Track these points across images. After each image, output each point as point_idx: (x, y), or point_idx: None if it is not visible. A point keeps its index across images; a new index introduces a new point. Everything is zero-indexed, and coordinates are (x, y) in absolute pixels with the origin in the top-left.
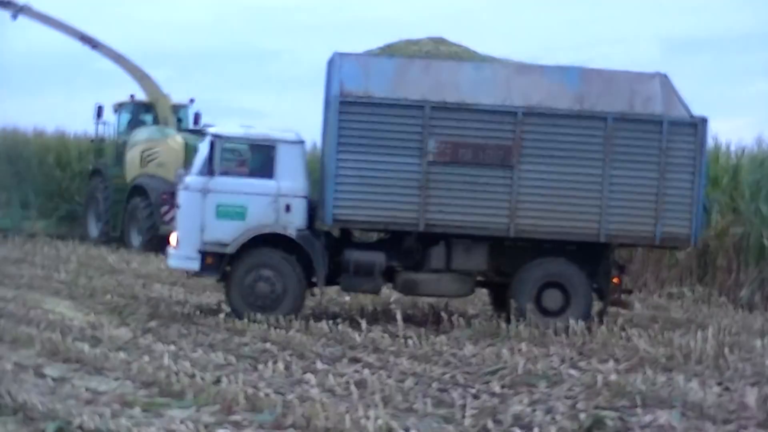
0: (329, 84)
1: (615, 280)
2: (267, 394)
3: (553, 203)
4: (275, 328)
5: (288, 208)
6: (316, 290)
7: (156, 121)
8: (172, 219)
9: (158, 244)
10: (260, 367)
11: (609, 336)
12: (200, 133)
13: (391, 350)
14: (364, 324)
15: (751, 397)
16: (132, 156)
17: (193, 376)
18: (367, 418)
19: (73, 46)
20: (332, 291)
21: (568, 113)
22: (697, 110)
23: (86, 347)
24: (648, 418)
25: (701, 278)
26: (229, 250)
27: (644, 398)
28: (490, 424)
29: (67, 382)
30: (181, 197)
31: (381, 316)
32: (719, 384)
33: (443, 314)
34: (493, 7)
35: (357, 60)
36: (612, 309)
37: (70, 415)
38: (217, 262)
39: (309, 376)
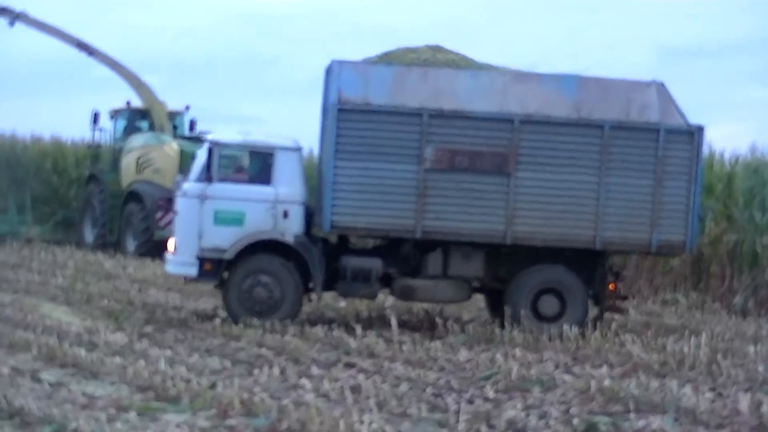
0: (327, 91)
1: (611, 287)
2: (262, 399)
3: (550, 210)
4: (271, 333)
5: (286, 215)
6: (313, 296)
7: (152, 127)
8: (167, 225)
9: (153, 249)
10: (255, 372)
11: (603, 342)
12: (196, 140)
13: (385, 355)
14: (359, 329)
15: (744, 402)
16: (128, 162)
17: (188, 380)
18: (362, 422)
19: (70, 52)
20: (327, 296)
21: (565, 121)
22: (691, 117)
23: (82, 352)
24: (641, 423)
25: (695, 285)
26: (227, 256)
27: (637, 403)
28: (484, 429)
29: (63, 386)
30: (179, 203)
31: (376, 322)
32: (712, 390)
33: (438, 320)
34: (490, 15)
35: (355, 68)
36: (606, 315)
37: (66, 419)
38: (215, 268)
39: (304, 381)
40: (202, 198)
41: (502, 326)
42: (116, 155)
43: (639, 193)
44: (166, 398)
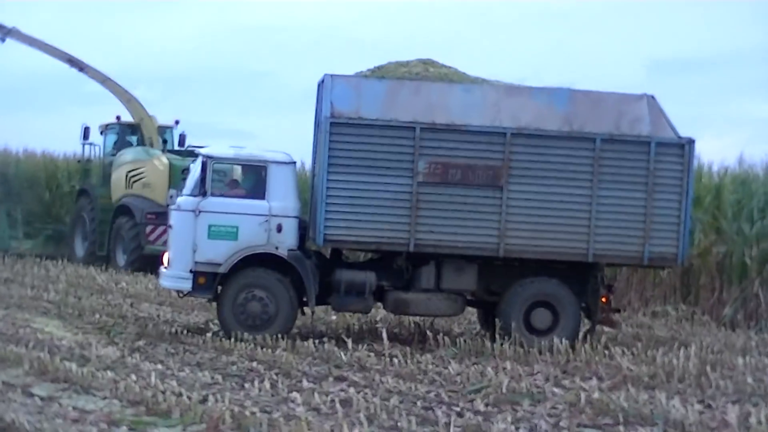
0: (320, 105)
1: (603, 299)
2: (253, 413)
3: (542, 223)
4: (262, 347)
5: (279, 228)
6: (307, 309)
7: (141, 142)
8: (157, 239)
9: (143, 263)
10: (247, 385)
11: (592, 354)
12: (186, 154)
13: (376, 369)
14: (350, 343)
15: (733, 414)
16: (118, 176)
17: (180, 394)
18: None
19: (62, 68)
20: (319, 310)
21: (556, 134)
22: (679, 130)
23: (74, 366)
24: None
25: (685, 297)
26: (222, 269)
27: (627, 416)
28: None
29: (54, 401)
30: (174, 217)
31: (367, 335)
32: (701, 402)
33: (428, 333)
34: (480, 29)
35: (348, 82)
36: (598, 327)
37: None
38: (210, 281)
39: (295, 394)
40: (196, 212)
41: (494, 339)
42: (106, 170)
43: (630, 206)
44: (157, 412)
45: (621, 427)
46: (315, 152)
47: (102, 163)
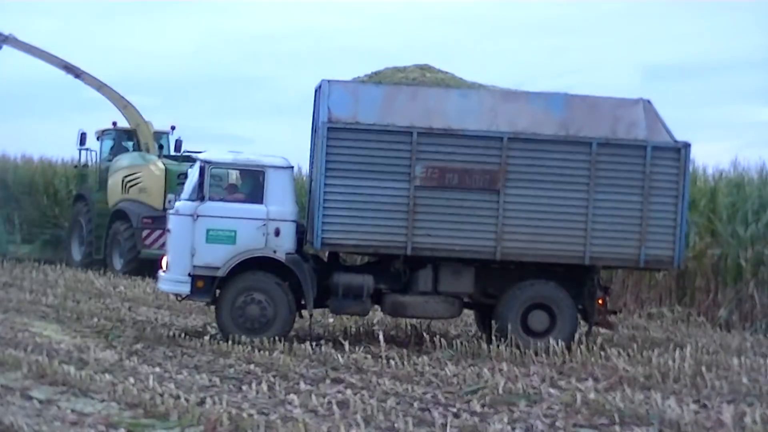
0: (317, 110)
1: (600, 302)
2: (251, 415)
3: (539, 227)
4: (259, 350)
5: (277, 232)
6: (305, 312)
7: (137, 147)
8: (153, 243)
9: (140, 267)
10: (244, 388)
11: (588, 355)
12: (182, 159)
13: (373, 370)
14: (347, 345)
15: (728, 414)
16: (114, 181)
17: (177, 397)
18: None
19: (59, 75)
20: (316, 312)
21: (553, 139)
22: (675, 135)
23: (72, 370)
24: None
25: (680, 299)
26: (220, 273)
27: (623, 416)
28: None
29: (53, 404)
30: (172, 221)
31: (364, 337)
32: (696, 402)
33: (425, 335)
34: (476, 35)
35: (345, 87)
36: (594, 329)
37: None
38: (208, 285)
39: (292, 396)
40: (195, 216)
41: (490, 341)
42: (103, 175)
43: (627, 209)
44: (155, 415)
45: (617, 428)
46: (312, 157)
47: (98, 169)
